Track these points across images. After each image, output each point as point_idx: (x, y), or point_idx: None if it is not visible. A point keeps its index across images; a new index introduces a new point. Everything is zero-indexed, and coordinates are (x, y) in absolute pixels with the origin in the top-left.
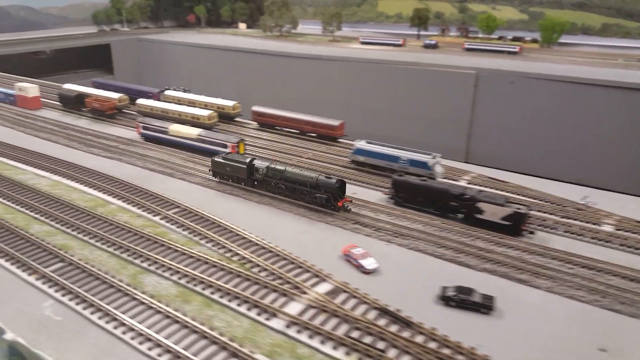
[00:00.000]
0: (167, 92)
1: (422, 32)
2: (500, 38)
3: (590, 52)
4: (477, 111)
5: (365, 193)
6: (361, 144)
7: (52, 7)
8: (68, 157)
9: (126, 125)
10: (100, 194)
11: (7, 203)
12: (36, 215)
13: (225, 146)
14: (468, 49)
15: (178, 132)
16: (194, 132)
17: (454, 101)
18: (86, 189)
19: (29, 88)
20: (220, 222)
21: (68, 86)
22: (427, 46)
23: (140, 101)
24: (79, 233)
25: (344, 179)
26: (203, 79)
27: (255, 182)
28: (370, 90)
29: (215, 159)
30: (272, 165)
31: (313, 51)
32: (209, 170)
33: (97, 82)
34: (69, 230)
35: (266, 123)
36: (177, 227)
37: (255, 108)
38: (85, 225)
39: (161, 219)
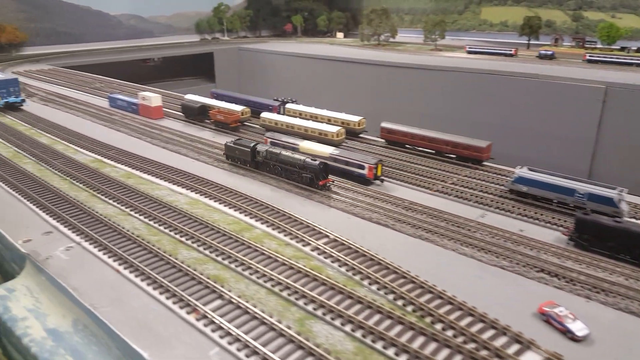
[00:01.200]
0: (289, 106)
1: (533, 42)
2: (622, 49)
3: None
4: (604, 129)
5: (536, 231)
6: (524, 172)
7: (160, 16)
8: (199, 171)
9: (249, 139)
10: (242, 216)
11: (150, 222)
12: (182, 239)
13: (362, 167)
14: (590, 61)
15: (309, 150)
16: (327, 150)
17: (576, 117)
18: (226, 209)
19: (152, 97)
20: (379, 259)
21: (190, 97)
22: (542, 56)
23: (265, 115)
24: (230, 262)
25: (327, 163)
26: (302, 89)
27: (258, 164)
28: (481, 102)
29: (228, 143)
30: (270, 149)
31: (418, 61)
32: (223, 153)
33: (216, 92)
34: (219, 259)
35: (396, 141)
36: (332, 262)
37: (385, 125)
38: (236, 253)
39: (312, 250)
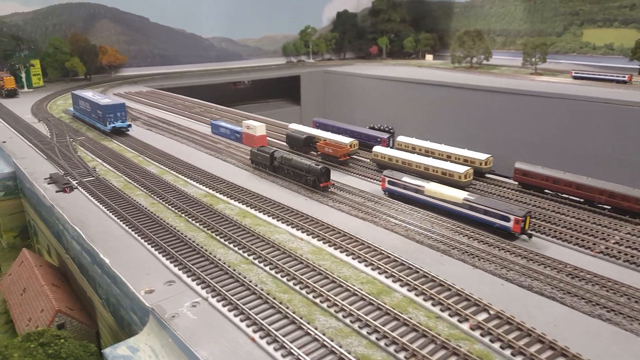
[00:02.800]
0: (402, 139)
1: None
2: None
3: None
4: None
5: None
6: None
7: (249, 39)
8: (313, 212)
9: (360, 175)
10: (374, 274)
11: (277, 275)
12: (315, 300)
13: (506, 218)
14: None
15: (437, 194)
16: (459, 195)
17: None
18: (355, 262)
19: (257, 127)
20: (562, 349)
21: (294, 126)
22: None
23: (378, 149)
24: (378, 339)
25: (328, 168)
26: (391, 114)
27: (275, 168)
28: (610, 137)
29: (253, 150)
30: (284, 155)
31: (520, 86)
32: (249, 158)
33: (318, 122)
34: (363, 332)
35: (533, 185)
36: (501, 347)
37: (521, 165)
38: (383, 327)
39: (472, 329)
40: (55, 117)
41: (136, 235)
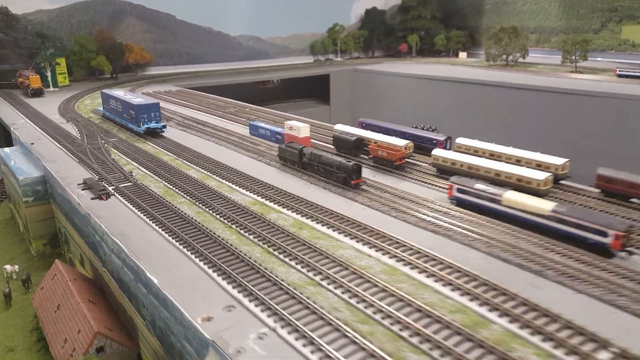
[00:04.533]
0: (461, 141)
1: None
2: None
3: None
4: None
5: None
6: None
7: (277, 38)
8: (378, 223)
9: (419, 181)
10: (464, 300)
11: (351, 301)
12: (402, 333)
13: (604, 234)
14: None
15: (518, 204)
16: (545, 206)
17: None
18: (437, 285)
19: (301, 128)
20: None
21: (339, 127)
22: None
23: (438, 152)
24: None
25: (360, 165)
26: (425, 113)
27: (304, 165)
28: None
29: (281, 146)
30: (314, 151)
31: (564, 85)
32: (277, 155)
33: (365, 122)
34: None
35: (619, 193)
36: None
37: (604, 172)
38: None
39: None
40: (84, 117)
41: (185, 250)
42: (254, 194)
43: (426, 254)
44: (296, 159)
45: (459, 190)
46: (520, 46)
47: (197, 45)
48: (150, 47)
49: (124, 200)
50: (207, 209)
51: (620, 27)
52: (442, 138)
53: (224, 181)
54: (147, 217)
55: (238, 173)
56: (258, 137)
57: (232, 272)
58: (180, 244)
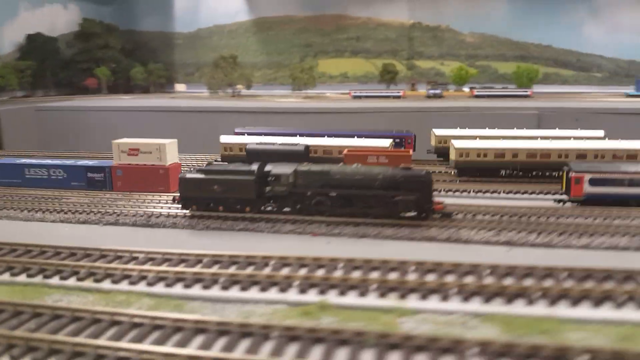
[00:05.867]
0: None
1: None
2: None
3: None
4: None
5: None
6: None
7: None
8: None
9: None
10: None
11: None
12: None
13: None
14: (478, 96)
15: None
16: None
17: None
18: None
19: (162, 146)
20: None
21: (232, 139)
22: (431, 95)
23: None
24: None
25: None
26: None
27: (271, 201)
28: None
29: (187, 176)
30: (304, 169)
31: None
32: (173, 199)
33: (247, 131)
34: None
35: None
36: None
37: None
38: None
39: None
40: None
41: None
42: None
43: None
44: (250, 195)
45: (594, 182)
46: (242, 75)
47: None
48: None
49: None
50: None
51: (317, 61)
52: (411, 135)
53: None
54: None
55: None
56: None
57: None
58: None
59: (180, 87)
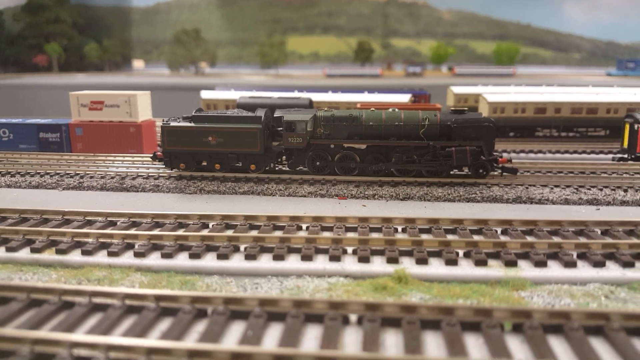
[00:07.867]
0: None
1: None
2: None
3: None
4: None
5: None
6: None
7: None
8: None
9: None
10: None
11: None
12: None
13: None
14: (459, 74)
15: None
16: None
17: None
18: None
19: (132, 98)
20: None
21: (214, 94)
22: (410, 74)
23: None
24: None
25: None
26: None
27: (282, 157)
28: None
29: (173, 124)
30: (326, 114)
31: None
32: (154, 157)
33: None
34: None
35: None
36: None
37: None
38: None
39: None
40: None
41: None
42: None
43: None
44: (255, 148)
45: None
46: (206, 52)
47: None
48: None
49: None
50: None
51: (286, 38)
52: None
53: None
54: None
55: None
56: None
57: None
58: None
59: (138, 64)
